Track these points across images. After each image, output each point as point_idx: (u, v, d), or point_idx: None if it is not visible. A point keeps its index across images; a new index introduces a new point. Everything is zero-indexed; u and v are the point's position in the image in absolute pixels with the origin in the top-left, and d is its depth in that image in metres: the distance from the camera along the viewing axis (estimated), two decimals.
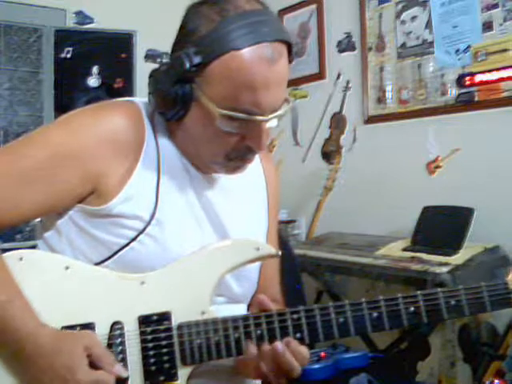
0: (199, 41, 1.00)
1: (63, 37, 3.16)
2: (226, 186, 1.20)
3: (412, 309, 1.03)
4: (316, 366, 2.03)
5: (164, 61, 1.07)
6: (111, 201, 1.05)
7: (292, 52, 1.07)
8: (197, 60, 0.99)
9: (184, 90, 1.03)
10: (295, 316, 1.03)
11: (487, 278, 2.31)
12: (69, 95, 3.14)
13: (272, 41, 1.00)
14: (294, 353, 1.01)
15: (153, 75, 1.08)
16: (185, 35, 1.04)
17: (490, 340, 2.46)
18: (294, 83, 3.55)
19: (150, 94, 1.09)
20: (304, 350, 1.02)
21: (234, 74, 0.98)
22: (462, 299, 1.04)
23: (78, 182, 1.05)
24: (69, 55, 3.15)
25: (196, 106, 1.04)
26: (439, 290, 1.04)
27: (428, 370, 2.72)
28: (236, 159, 1.09)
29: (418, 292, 1.04)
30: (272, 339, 1.02)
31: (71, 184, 1.05)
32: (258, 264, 1.21)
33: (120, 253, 1.06)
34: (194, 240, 1.12)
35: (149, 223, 1.07)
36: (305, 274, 2.61)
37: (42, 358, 0.94)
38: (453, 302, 1.04)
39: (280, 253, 1.12)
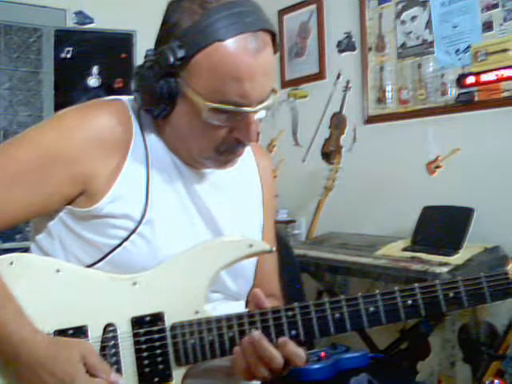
0: (182, 34, 0.99)
1: (63, 37, 3.16)
2: (217, 182, 1.19)
3: (410, 302, 1.00)
4: (316, 366, 2.03)
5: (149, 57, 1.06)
6: (100, 201, 1.05)
7: (276, 42, 1.06)
8: (181, 54, 0.99)
9: (169, 84, 1.02)
10: (290, 313, 1.01)
11: None
12: (69, 95, 3.14)
13: (256, 30, 1.00)
14: (290, 354, 0.99)
15: (137, 72, 1.06)
16: (167, 30, 1.03)
17: (490, 340, 2.45)
18: (294, 83, 3.55)
19: (135, 91, 1.08)
20: (301, 351, 1.01)
21: (218, 66, 0.98)
22: (460, 291, 1.01)
23: (66, 184, 1.05)
24: (69, 55, 3.16)
25: (182, 101, 1.04)
26: (437, 282, 1.02)
27: (428, 370, 2.72)
28: (226, 152, 1.09)
29: (416, 284, 1.02)
30: (267, 337, 1.00)
31: (60, 185, 1.05)
32: (253, 260, 1.21)
33: (112, 253, 1.05)
34: (187, 237, 1.11)
35: (140, 223, 1.06)
36: (305, 274, 2.61)
37: (38, 364, 0.94)
38: (451, 294, 1.00)
39: (274, 249, 1.11)
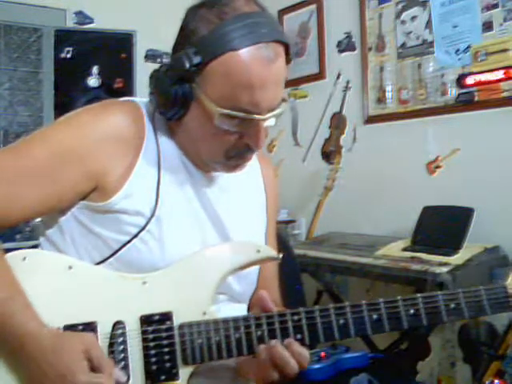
0: (198, 42, 1.02)
1: (63, 37, 3.16)
2: (225, 185, 1.21)
3: (412, 311, 1.04)
4: (316, 366, 2.03)
5: (164, 61, 1.09)
6: (113, 197, 1.07)
7: (290, 52, 1.09)
8: (196, 60, 1.02)
9: (184, 89, 1.05)
10: (296, 317, 1.03)
11: (487, 278, 2.31)
12: (69, 95, 3.14)
13: (269, 41, 1.02)
14: (295, 354, 1.01)
15: (153, 75, 1.10)
16: (184, 37, 1.06)
17: (490, 340, 2.45)
18: (294, 83, 3.56)
19: (150, 93, 1.11)
20: (305, 352, 1.02)
21: (231, 74, 1.01)
22: (461, 302, 1.05)
23: (80, 180, 1.07)
24: (69, 55, 3.16)
25: (195, 106, 1.06)
26: (439, 293, 1.05)
27: (428, 370, 2.72)
28: (235, 157, 1.11)
29: (418, 295, 1.05)
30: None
31: (74, 182, 1.07)
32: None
33: (122, 250, 1.07)
34: (195, 238, 1.14)
35: (149, 220, 1.08)
36: (305, 274, 2.61)
37: (42, 357, 0.94)
38: (452, 305, 1.04)
39: (281, 256, 1.13)
